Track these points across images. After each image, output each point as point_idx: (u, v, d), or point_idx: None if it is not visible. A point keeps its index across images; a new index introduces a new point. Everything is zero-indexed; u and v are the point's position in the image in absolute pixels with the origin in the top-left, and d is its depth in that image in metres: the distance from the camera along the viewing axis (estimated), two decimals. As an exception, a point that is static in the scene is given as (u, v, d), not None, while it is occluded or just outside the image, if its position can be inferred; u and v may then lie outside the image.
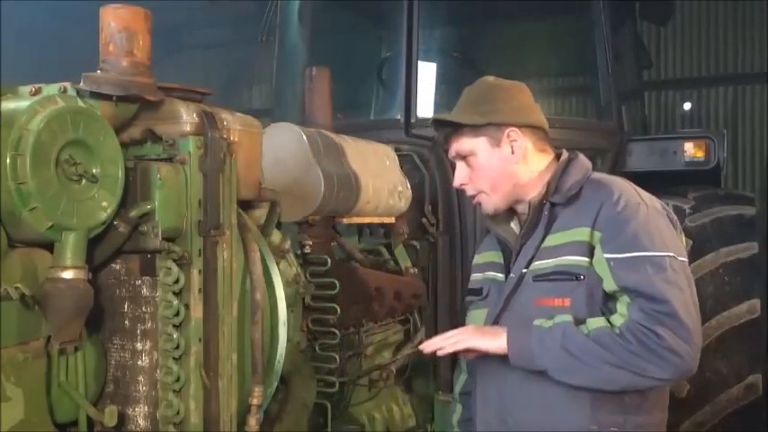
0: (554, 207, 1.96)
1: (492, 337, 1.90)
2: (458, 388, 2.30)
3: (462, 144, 2.04)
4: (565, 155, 2.05)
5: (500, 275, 2.06)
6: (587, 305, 1.84)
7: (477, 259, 2.23)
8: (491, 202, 2.04)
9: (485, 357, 1.97)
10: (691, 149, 4.04)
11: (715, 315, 3.39)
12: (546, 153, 2.06)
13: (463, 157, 2.05)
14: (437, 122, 2.11)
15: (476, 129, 2.01)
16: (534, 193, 2.01)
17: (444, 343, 1.93)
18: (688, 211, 3.74)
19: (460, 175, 2.07)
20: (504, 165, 2.01)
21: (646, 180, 4.07)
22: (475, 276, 2.19)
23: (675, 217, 1.98)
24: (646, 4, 4.77)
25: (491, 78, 2.12)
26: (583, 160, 2.04)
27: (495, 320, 1.98)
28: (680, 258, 1.83)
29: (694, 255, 3.52)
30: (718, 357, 3.34)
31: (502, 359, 1.91)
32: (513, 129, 2.01)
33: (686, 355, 1.73)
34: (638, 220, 1.83)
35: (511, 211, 2.11)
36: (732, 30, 9.22)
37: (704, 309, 3.39)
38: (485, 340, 1.90)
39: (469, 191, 2.07)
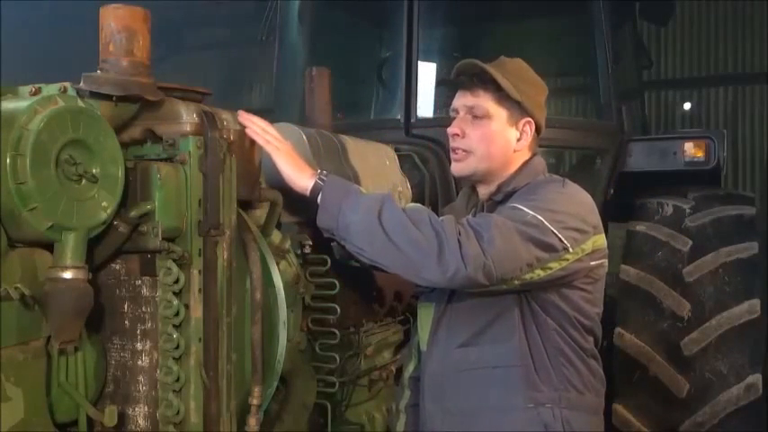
0: (498, 204, 1.99)
1: (300, 171, 1.92)
2: (407, 373, 2.32)
3: (484, 102, 2.00)
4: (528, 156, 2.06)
5: None
6: None
7: None
8: (471, 166, 2.03)
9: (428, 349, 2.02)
10: (691, 149, 4.04)
11: (715, 315, 3.37)
12: (529, 153, 2.08)
13: (474, 115, 2.01)
14: (471, 67, 2.03)
15: (504, 98, 1.99)
16: (493, 186, 2.03)
17: (258, 130, 1.93)
18: (688, 211, 3.74)
19: (459, 126, 2.02)
20: (506, 144, 2.02)
21: (646, 180, 4.14)
22: None
23: None
24: (646, 4, 4.77)
25: (525, 64, 2.10)
26: (535, 163, 2.05)
27: (441, 315, 2.01)
28: (549, 224, 1.80)
29: (694, 255, 3.52)
30: (719, 357, 3.33)
31: (441, 347, 1.96)
32: (531, 121, 2.03)
33: (470, 260, 1.70)
34: (539, 189, 1.92)
35: (469, 206, 2.13)
36: (732, 30, 9.21)
37: (704, 309, 3.43)
38: (289, 168, 1.92)
39: (461, 144, 2.02)
